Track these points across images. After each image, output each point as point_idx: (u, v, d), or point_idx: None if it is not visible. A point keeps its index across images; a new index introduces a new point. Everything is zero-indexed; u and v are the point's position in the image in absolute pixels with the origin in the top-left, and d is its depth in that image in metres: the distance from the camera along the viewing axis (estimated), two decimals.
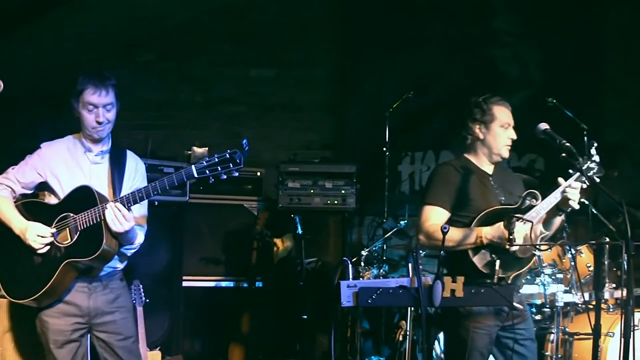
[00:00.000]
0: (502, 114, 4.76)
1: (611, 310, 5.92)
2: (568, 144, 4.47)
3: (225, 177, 4.07)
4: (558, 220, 4.68)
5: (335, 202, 6.68)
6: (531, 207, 4.48)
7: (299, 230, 6.18)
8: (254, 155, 6.39)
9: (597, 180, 4.50)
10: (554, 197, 4.49)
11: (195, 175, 4.08)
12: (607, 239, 4.92)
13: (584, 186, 4.53)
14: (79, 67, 7.56)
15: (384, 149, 7.13)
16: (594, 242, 4.45)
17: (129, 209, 4.23)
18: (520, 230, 4.36)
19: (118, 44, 7.87)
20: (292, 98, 8.08)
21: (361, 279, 6.30)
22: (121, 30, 7.79)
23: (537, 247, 4.50)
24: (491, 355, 4.68)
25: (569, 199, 4.46)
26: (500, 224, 4.35)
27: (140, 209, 4.57)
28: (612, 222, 5.41)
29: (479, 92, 7.69)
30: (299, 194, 6.67)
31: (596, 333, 4.24)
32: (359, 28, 8.02)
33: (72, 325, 4.39)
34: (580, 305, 5.87)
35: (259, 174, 7.00)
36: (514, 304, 4.36)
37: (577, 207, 4.52)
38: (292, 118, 8.05)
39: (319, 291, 6.34)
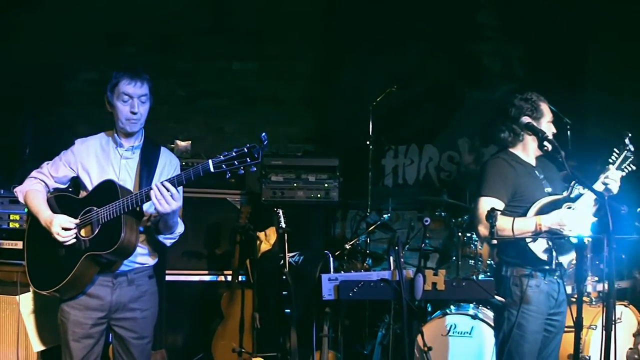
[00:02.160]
0: (548, 111, 4.91)
1: (594, 303, 5.97)
2: (550, 138, 4.54)
3: (242, 172, 4.05)
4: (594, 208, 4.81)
5: (319, 195, 6.69)
6: (580, 195, 4.66)
7: (282, 224, 6.16)
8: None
9: (634, 168, 4.78)
10: (598, 185, 4.67)
11: (212, 170, 4.05)
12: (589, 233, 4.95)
13: (623, 174, 4.77)
14: (62, 61, 7.56)
15: (368, 142, 7.15)
16: (574, 235, 4.47)
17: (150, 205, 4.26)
18: (572, 217, 4.54)
19: (99, 37, 7.82)
20: (275, 91, 8.06)
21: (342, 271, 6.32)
22: (103, 24, 7.77)
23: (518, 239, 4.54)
24: None
25: (610, 187, 4.69)
26: (558, 212, 4.57)
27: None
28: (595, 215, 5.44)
29: (463, 86, 7.84)
30: (282, 188, 6.69)
31: (578, 326, 4.27)
32: (342, 22, 8.01)
33: (92, 319, 4.43)
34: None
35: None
36: (496, 297, 4.40)
37: (615, 191, 4.71)
38: (275, 111, 8.03)
39: (302, 285, 6.33)
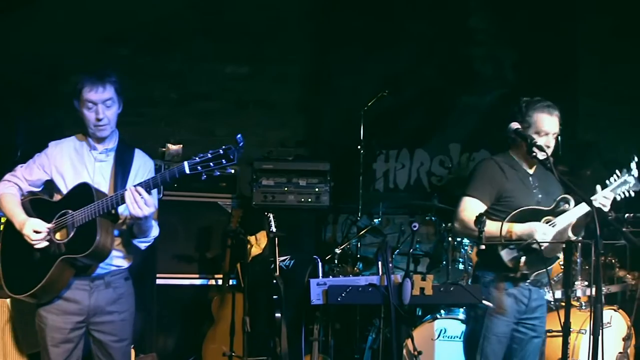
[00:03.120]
0: (541, 121, 4.79)
1: (583, 307, 5.97)
2: (539, 144, 4.54)
3: (218, 173, 4.05)
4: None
5: (309, 199, 6.70)
6: (564, 211, 4.65)
7: (273, 228, 6.17)
8: None
9: (632, 195, 4.76)
10: (584, 207, 4.61)
11: (187, 172, 4.02)
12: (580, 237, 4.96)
13: (618, 198, 4.76)
14: (55, 62, 7.54)
15: (359, 146, 7.16)
16: (562, 241, 4.48)
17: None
18: (548, 232, 4.55)
19: (93, 39, 7.78)
20: (267, 95, 8.05)
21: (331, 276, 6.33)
22: (96, 25, 7.73)
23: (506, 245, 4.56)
24: None
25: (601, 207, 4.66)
26: (532, 223, 4.55)
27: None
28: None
29: (454, 90, 7.86)
30: (273, 192, 6.70)
31: (566, 330, 4.28)
32: (334, 25, 8.01)
33: (71, 324, 4.40)
34: (552, 302, 5.91)
35: (233, 171, 6.97)
36: (484, 302, 4.41)
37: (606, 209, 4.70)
38: (267, 115, 8.02)
39: (292, 289, 6.34)
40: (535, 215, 4.65)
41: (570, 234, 4.66)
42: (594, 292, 4.16)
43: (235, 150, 3.98)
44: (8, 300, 5.51)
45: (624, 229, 5.53)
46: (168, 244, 6.71)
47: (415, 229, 4.08)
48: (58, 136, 4.66)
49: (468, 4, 8.05)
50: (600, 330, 4.00)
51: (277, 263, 6.20)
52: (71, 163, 4.49)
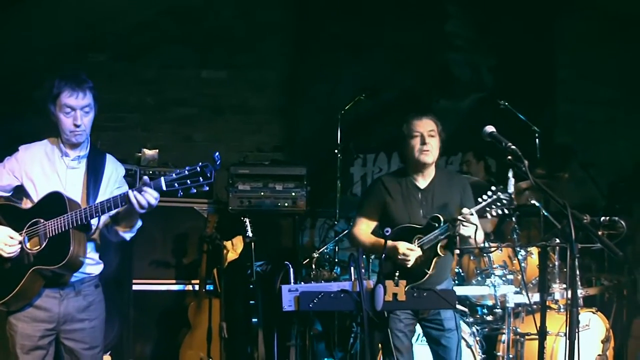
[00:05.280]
0: (416, 126, 5.08)
1: (562, 310, 5.98)
2: (513, 147, 4.51)
3: (194, 191, 3.99)
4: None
5: (286, 204, 6.69)
6: (433, 229, 4.81)
7: (249, 233, 6.14)
8: (205, 158, 6.35)
9: (507, 211, 4.84)
10: (444, 230, 4.81)
11: (164, 189, 4.01)
12: (557, 240, 4.95)
13: (489, 217, 4.87)
14: (32, 67, 7.48)
15: (336, 151, 7.14)
16: (537, 244, 4.47)
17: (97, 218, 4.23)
18: (407, 252, 4.78)
19: (70, 44, 7.74)
20: (244, 100, 8.05)
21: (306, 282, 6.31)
22: (73, 31, 7.70)
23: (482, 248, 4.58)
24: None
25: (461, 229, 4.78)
26: (400, 242, 4.79)
27: None
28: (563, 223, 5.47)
29: (431, 94, 7.86)
30: (250, 197, 6.67)
31: (541, 334, 4.29)
32: (311, 30, 8.03)
33: (40, 331, 4.34)
34: (530, 305, 5.91)
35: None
36: (458, 306, 4.41)
37: (466, 234, 4.80)
38: (244, 120, 8.03)
39: (269, 294, 6.32)
40: (410, 233, 4.88)
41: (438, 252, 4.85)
42: (569, 296, 4.16)
43: (212, 168, 3.96)
44: None
45: (599, 232, 5.52)
46: (144, 250, 6.67)
47: (387, 233, 4.06)
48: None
49: (446, 9, 8.06)
50: (577, 334, 3.99)
51: (254, 268, 6.17)
52: (42, 169, 4.42)
